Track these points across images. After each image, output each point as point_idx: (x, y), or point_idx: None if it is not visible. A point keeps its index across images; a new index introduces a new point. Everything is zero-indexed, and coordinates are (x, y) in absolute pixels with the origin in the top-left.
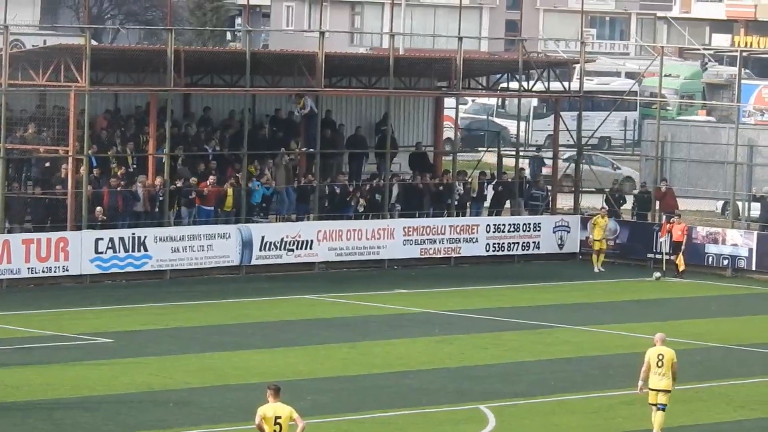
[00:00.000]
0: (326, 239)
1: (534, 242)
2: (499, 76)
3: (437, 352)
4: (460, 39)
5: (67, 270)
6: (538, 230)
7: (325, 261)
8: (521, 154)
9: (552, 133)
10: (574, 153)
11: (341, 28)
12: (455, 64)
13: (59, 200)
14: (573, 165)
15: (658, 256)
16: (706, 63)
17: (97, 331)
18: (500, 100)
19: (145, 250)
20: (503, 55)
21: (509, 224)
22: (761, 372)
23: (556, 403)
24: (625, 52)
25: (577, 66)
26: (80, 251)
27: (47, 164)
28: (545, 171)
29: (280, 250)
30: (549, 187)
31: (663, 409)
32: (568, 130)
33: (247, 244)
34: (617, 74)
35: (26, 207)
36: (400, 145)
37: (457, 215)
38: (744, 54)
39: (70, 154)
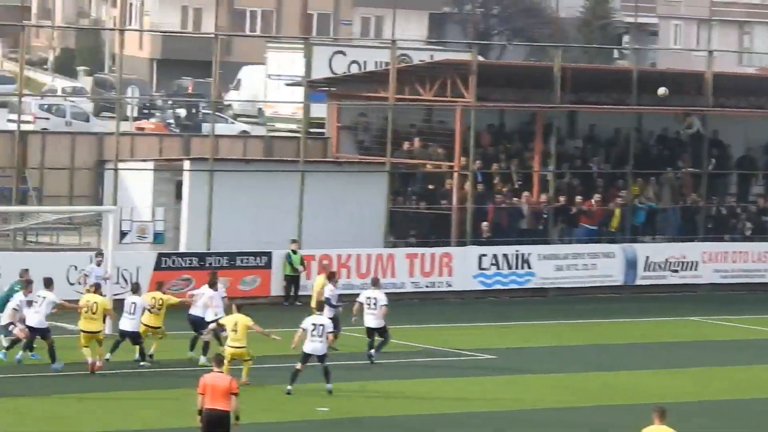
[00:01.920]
0: (711, 261)
1: None
2: None
3: None
4: None
5: (451, 285)
6: None
7: (710, 283)
8: None
9: None
10: None
11: (730, 48)
12: None
13: (444, 215)
14: None
15: None
16: None
17: (480, 347)
18: None
19: (529, 267)
20: None
21: None
22: None
23: None
24: None
25: None
26: (464, 267)
27: (432, 179)
28: None
29: (664, 270)
30: None
31: None
32: None
33: (631, 264)
34: None
35: (410, 221)
36: None
37: None
38: None
39: (455, 169)
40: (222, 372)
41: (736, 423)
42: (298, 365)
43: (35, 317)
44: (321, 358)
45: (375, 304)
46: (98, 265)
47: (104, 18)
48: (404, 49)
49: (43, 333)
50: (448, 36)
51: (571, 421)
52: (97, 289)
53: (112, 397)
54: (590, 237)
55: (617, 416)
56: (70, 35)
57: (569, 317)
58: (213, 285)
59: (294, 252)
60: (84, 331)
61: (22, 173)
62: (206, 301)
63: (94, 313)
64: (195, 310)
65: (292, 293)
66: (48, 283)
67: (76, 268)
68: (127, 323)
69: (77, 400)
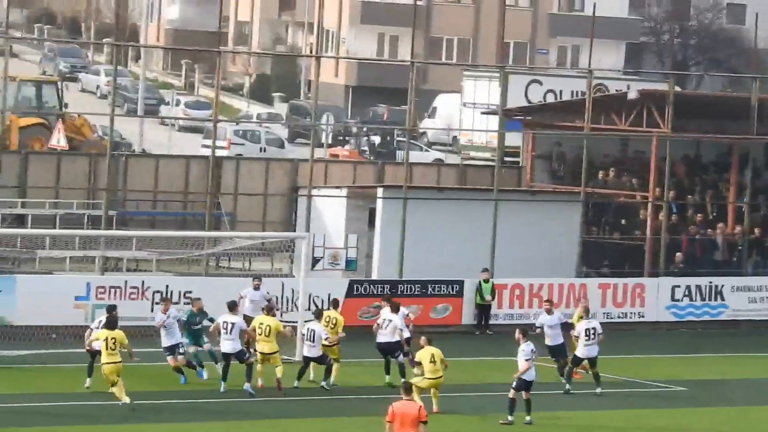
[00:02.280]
0: None
1: None
2: None
3: None
4: None
5: (643, 316)
6: None
7: None
8: None
9: None
10: None
11: None
12: None
13: (637, 246)
14: None
15: None
16: None
17: (671, 379)
18: None
19: (722, 299)
20: None
21: None
22: None
23: None
24: None
25: None
26: (657, 298)
27: (626, 209)
28: None
29: None
30: None
31: None
32: None
33: None
34: None
35: (604, 251)
36: None
37: None
38: None
39: (650, 199)
40: (411, 400)
41: None
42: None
43: (228, 344)
44: None
45: (388, 325)
46: (256, 288)
47: (300, 45)
48: (600, 78)
49: (239, 356)
50: (644, 66)
51: None
52: (269, 311)
53: (303, 423)
54: None
55: None
56: (266, 61)
57: (762, 350)
58: (396, 309)
59: (485, 281)
60: (261, 353)
61: (215, 198)
62: (393, 329)
63: (267, 336)
64: (383, 338)
65: (483, 322)
66: (232, 307)
67: (268, 293)
68: (307, 350)
69: (269, 427)
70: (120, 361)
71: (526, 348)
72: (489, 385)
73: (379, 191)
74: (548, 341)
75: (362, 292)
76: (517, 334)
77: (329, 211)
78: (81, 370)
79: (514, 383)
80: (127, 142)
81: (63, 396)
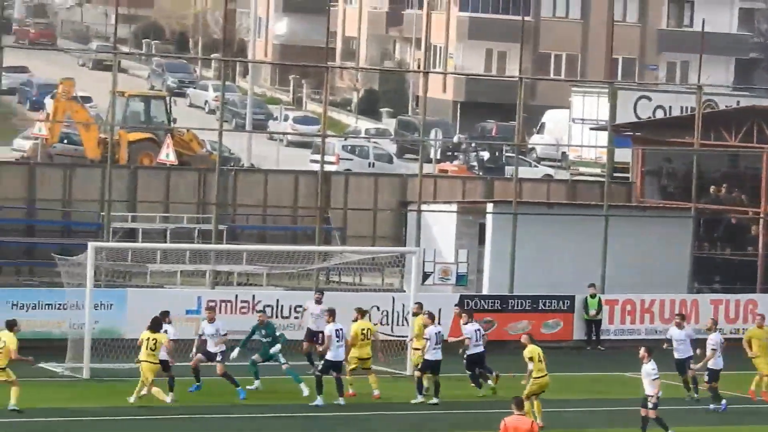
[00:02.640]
0: None
1: None
2: None
3: None
4: None
5: None
6: None
7: None
8: None
9: None
10: None
11: None
12: None
13: (749, 262)
14: None
15: None
16: None
17: None
18: None
19: None
20: None
21: None
22: None
23: None
24: None
25: None
26: None
27: (737, 225)
28: None
29: None
30: None
31: None
32: None
33: None
34: None
35: (715, 267)
36: None
37: None
38: None
39: (762, 215)
40: (523, 415)
41: None
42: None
43: (336, 351)
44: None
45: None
46: (317, 302)
47: (408, 60)
48: (710, 94)
49: (338, 366)
50: (754, 82)
51: None
52: (362, 316)
53: None
54: None
55: None
56: (373, 77)
57: None
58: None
59: (592, 297)
60: (358, 358)
61: (325, 213)
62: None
63: (362, 339)
64: (474, 349)
65: (594, 338)
66: (332, 313)
67: (378, 308)
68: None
69: None
70: (158, 363)
71: (649, 368)
72: (600, 401)
73: (489, 206)
74: (677, 355)
75: (472, 307)
76: (642, 352)
77: (439, 226)
78: (190, 382)
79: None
80: (236, 157)
81: (175, 409)
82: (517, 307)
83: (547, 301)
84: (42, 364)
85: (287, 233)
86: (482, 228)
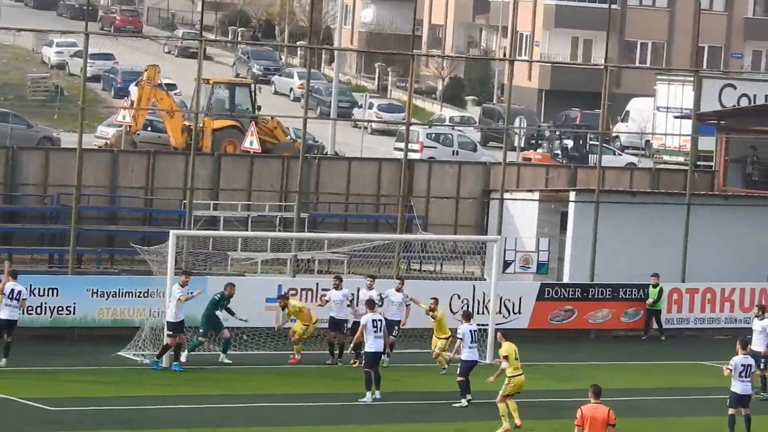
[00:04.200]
0: None
1: None
2: None
3: None
4: None
5: None
6: None
7: None
8: None
9: None
10: None
11: None
12: None
13: None
14: None
15: None
16: None
17: None
18: None
19: None
20: None
21: None
22: None
23: None
24: None
25: None
26: None
27: None
28: None
29: None
30: None
31: None
32: None
33: None
34: None
35: None
36: None
37: None
38: None
39: None
40: (599, 403)
41: None
42: None
43: (376, 342)
44: None
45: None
46: (336, 288)
47: (494, 48)
48: None
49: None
50: None
51: None
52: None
53: (486, 426)
54: None
55: None
56: (459, 65)
57: None
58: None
59: (654, 286)
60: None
61: (408, 201)
62: None
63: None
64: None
65: (658, 327)
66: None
67: (459, 297)
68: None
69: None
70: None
71: (739, 361)
72: (680, 390)
73: (572, 195)
74: (755, 347)
75: (553, 295)
76: (738, 345)
77: (521, 215)
78: (272, 371)
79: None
80: (320, 145)
81: (257, 397)
82: (598, 295)
83: (628, 289)
84: (121, 353)
85: (369, 221)
86: (564, 216)
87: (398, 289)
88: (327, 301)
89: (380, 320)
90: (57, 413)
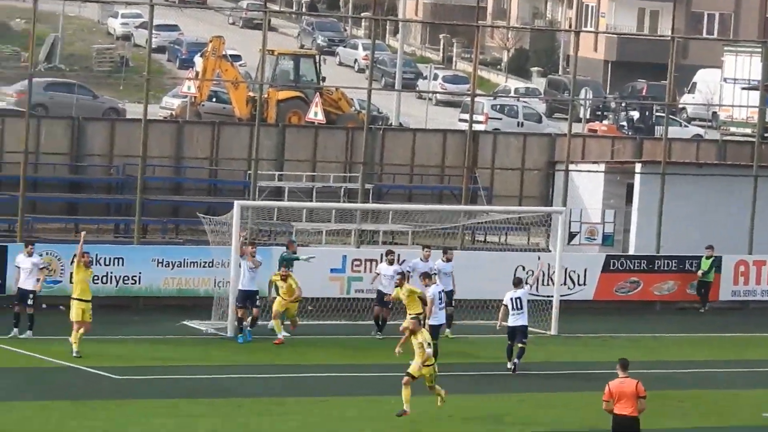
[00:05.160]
0: None
1: None
2: None
3: None
4: None
5: None
6: None
7: None
8: None
9: None
10: None
11: None
12: None
13: None
14: None
15: None
16: None
17: None
18: None
19: None
20: None
21: None
22: None
23: None
24: None
25: None
26: None
27: None
28: None
29: None
30: None
31: None
32: None
33: None
34: None
35: None
36: None
37: None
38: None
39: None
40: (627, 377)
41: None
42: None
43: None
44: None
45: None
46: (390, 263)
47: (559, 19)
48: None
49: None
50: None
51: None
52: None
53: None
54: None
55: None
56: (524, 36)
57: None
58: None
59: (707, 258)
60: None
61: (472, 173)
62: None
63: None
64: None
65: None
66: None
67: (524, 268)
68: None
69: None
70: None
71: None
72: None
73: (638, 167)
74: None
75: (618, 267)
76: None
77: (586, 186)
78: (337, 341)
79: None
80: (384, 116)
81: (320, 367)
82: (664, 267)
83: (694, 261)
84: (186, 322)
85: (434, 193)
86: (630, 188)
87: (449, 259)
88: (378, 275)
89: (443, 292)
90: (123, 382)
